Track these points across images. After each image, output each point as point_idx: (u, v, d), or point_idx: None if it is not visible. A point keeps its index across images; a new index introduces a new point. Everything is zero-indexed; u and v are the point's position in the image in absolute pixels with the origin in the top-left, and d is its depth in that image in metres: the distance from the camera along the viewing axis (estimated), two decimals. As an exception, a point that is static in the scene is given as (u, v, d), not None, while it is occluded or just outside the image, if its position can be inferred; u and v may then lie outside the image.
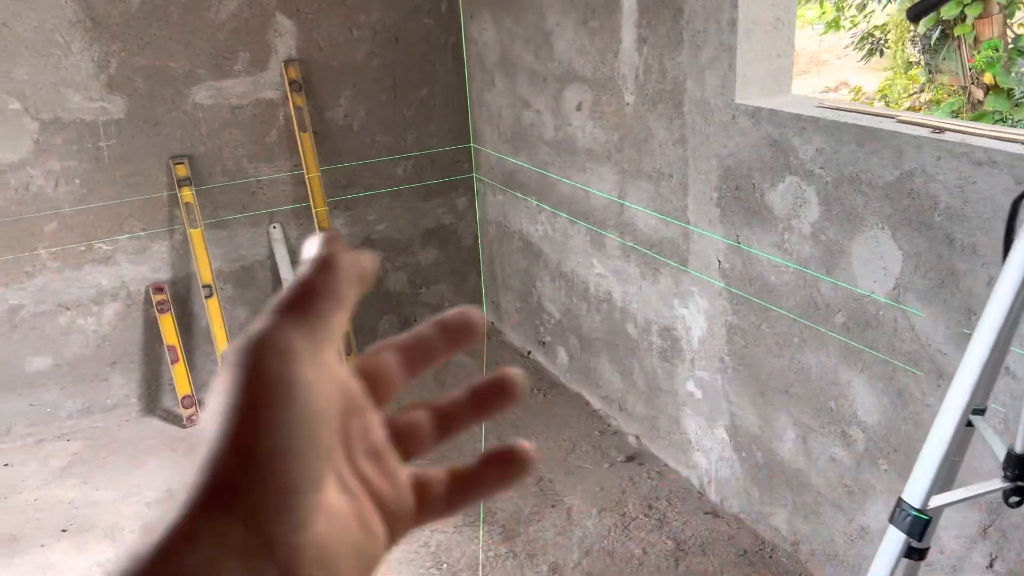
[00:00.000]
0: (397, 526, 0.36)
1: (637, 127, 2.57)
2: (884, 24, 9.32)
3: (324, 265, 0.33)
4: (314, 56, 3.28)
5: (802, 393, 2.18)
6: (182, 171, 3.14)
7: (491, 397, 0.39)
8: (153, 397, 3.37)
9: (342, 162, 3.46)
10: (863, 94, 9.27)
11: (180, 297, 3.30)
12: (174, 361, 3.22)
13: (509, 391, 0.39)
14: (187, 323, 3.34)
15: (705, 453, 2.63)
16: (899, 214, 1.78)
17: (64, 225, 3.03)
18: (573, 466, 2.87)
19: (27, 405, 3.17)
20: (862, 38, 9.46)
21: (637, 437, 2.98)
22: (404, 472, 0.37)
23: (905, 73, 9.13)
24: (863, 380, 1.98)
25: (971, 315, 1.68)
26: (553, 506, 2.67)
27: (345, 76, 3.36)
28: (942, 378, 1.77)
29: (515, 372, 0.39)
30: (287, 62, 3.23)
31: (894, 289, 1.83)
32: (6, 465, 3.06)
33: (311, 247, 0.34)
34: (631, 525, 2.56)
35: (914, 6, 1.20)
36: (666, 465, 2.84)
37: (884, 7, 9.07)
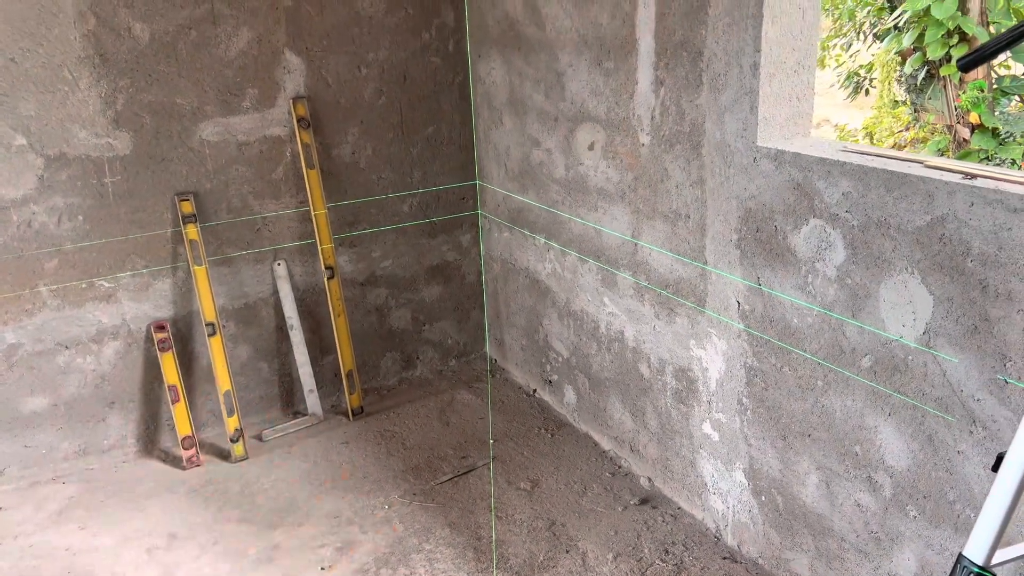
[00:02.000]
0: None
1: (652, 168, 2.57)
2: (870, 63, 9.50)
3: None
4: (322, 93, 3.27)
5: (825, 437, 2.15)
6: (187, 208, 3.10)
7: None
8: (151, 438, 3.29)
9: (348, 199, 3.43)
10: (849, 132, 9.40)
11: (181, 335, 3.24)
12: (175, 401, 3.15)
13: None
14: (187, 362, 3.28)
15: (722, 496, 2.59)
16: (929, 259, 1.77)
17: (66, 262, 2.98)
18: (586, 509, 2.82)
19: (22, 447, 3.08)
20: (848, 76, 9.63)
21: (650, 479, 2.93)
22: None
23: (891, 111, 9.28)
24: (891, 425, 1.96)
25: (1006, 361, 1.66)
26: (567, 551, 2.62)
27: (353, 114, 3.35)
28: (975, 424, 1.76)
29: None
30: (295, 99, 3.21)
31: (924, 334, 1.82)
32: (0, 509, 2.97)
33: None
34: (648, 571, 2.51)
35: (967, 56, 1.20)
36: (680, 508, 2.79)
37: (869, 47, 9.26)
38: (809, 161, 2.01)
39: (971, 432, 1.77)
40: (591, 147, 2.85)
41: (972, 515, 1.80)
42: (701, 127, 2.33)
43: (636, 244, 2.72)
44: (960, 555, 1.20)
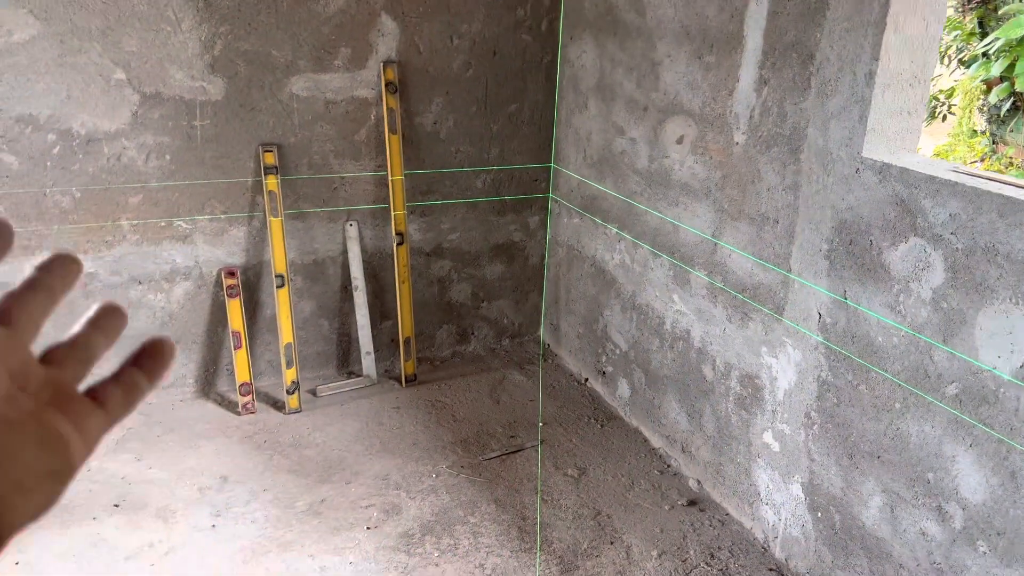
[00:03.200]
0: (89, 428, 0.44)
1: (744, 168, 2.52)
2: (951, 89, 9.25)
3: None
4: (412, 60, 3.28)
5: (896, 460, 2.11)
6: (270, 159, 3.13)
7: (143, 363, 0.47)
8: (210, 380, 3.35)
9: (425, 168, 3.44)
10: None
11: (250, 284, 3.29)
12: (237, 347, 3.20)
13: (160, 358, 0.48)
14: (252, 311, 3.32)
15: (775, 508, 2.56)
16: (1038, 291, 1.72)
17: (149, 199, 3.03)
18: (632, 503, 2.81)
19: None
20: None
21: (699, 482, 2.91)
22: (78, 389, 0.45)
23: (968, 140, 9.04)
24: (971, 457, 1.91)
25: (1110, 405, 1.61)
26: (612, 543, 2.61)
27: (439, 83, 3.35)
28: (1065, 466, 1.70)
29: (163, 342, 0.48)
30: (386, 63, 3.22)
31: (1021, 367, 1.77)
32: (60, 431, 3.04)
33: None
34: (692, 573, 2.49)
35: None
36: (728, 514, 2.77)
37: (952, 72, 9.01)
38: (917, 178, 1.96)
39: (1060, 473, 1.71)
40: (680, 140, 2.82)
41: (1050, 558, 1.75)
42: (803, 131, 2.29)
43: (716, 244, 2.68)
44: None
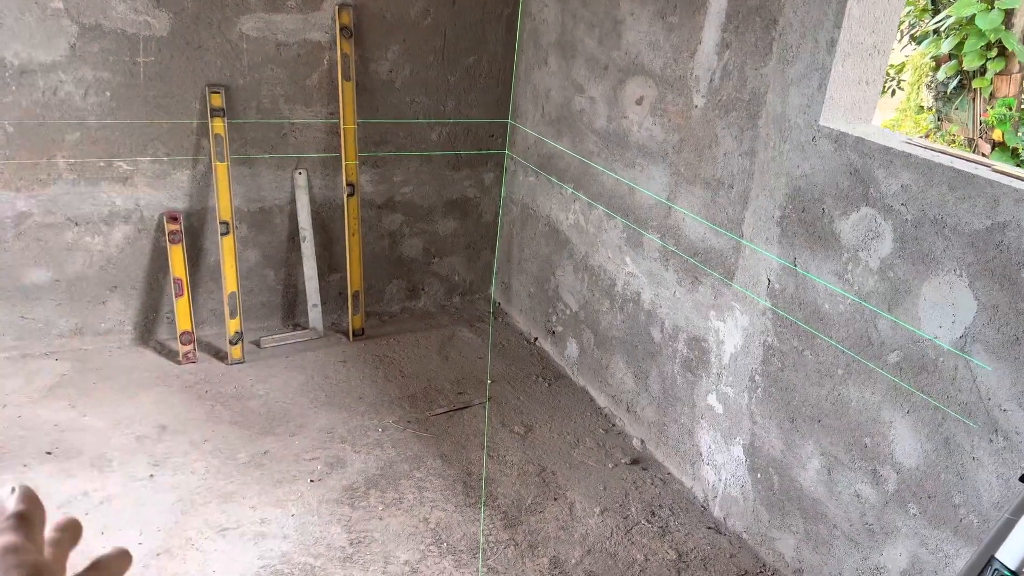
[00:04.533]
0: None
1: (702, 131, 2.52)
2: (901, 64, 9.40)
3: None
4: (369, 4, 3.17)
5: (836, 425, 2.16)
6: (217, 101, 3.01)
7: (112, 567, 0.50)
8: (149, 328, 3.26)
9: (379, 117, 3.35)
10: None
11: (193, 230, 3.19)
12: (178, 295, 3.11)
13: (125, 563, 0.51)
14: (195, 258, 3.23)
15: (716, 468, 2.61)
16: (981, 264, 1.76)
17: (87, 137, 2.89)
18: (576, 461, 2.84)
19: (18, 317, 3.03)
20: (877, 75, 9.51)
21: (642, 441, 2.95)
22: None
23: (914, 116, 9.22)
24: (907, 423, 1.96)
25: (1042, 376, 1.67)
26: (555, 499, 2.64)
27: (396, 30, 3.26)
28: (996, 434, 1.76)
29: (123, 552, 0.51)
30: (341, 6, 3.11)
31: (961, 338, 1.82)
32: (-11, 376, 2.93)
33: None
34: (634, 529, 2.54)
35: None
36: (670, 474, 2.82)
37: (902, 48, 9.14)
38: (872, 148, 1.98)
39: (991, 440, 1.78)
40: (639, 101, 2.80)
41: (976, 520, 1.82)
42: (762, 97, 2.28)
43: (670, 207, 2.68)
44: (992, 557, 1.20)
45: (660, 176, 2.72)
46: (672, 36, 2.60)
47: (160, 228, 3.12)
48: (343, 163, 3.29)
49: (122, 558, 0.51)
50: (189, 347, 3.15)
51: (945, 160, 1.85)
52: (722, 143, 2.45)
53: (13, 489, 0.49)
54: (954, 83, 7.84)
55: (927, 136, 8.76)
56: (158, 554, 2.23)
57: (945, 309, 1.85)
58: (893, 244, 1.95)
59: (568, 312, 3.37)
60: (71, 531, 0.50)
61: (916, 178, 1.88)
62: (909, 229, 1.91)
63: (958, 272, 1.81)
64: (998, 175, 1.76)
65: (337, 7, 3.11)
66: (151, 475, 2.54)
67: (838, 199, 2.08)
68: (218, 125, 3.02)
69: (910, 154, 1.89)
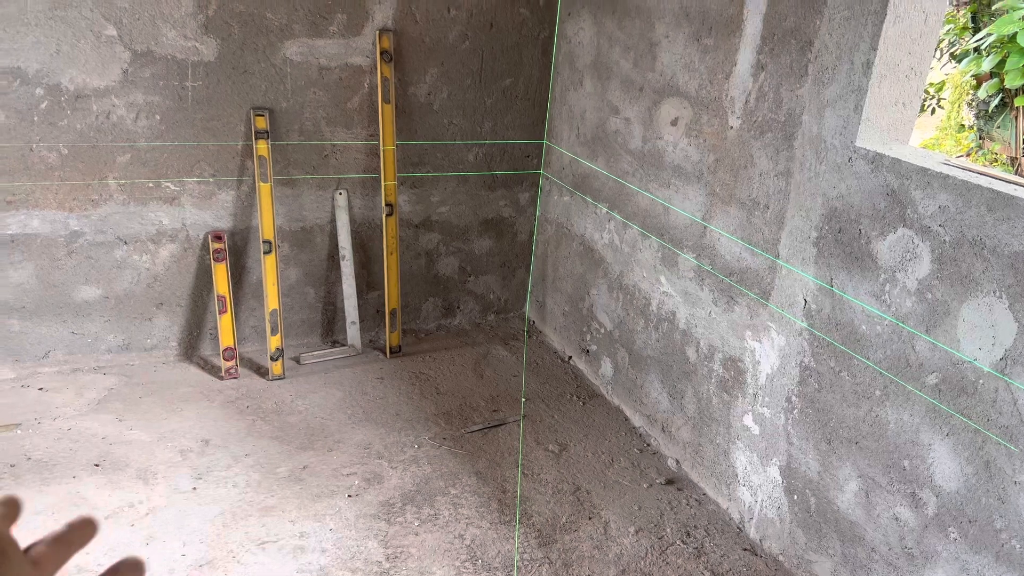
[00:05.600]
0: None
1: (737, 152, 2.53)
2: (941, 83, 9.29)
3: None
4: (408, 29, 3.24)
5: (874, 447, 2.15)
6: (261, 123, 3.10)
7: (73, 538, 0.54)
8: (193, 344, 3.34)
9: (417, 139, 3.42)
10: (909, 149, 9.21)
11: (236, 248, 3.27)
12: (222, 311, 3.19)
13: (89, 531, 0.55)
14: (238, 276, 3.31)
15: (752, 489, 2.60)
16: (1022, 285, 1.75)
17: (137, 159, 3.00)
18: (611, 480, 2.85)
19: (69, 332, 3.13)
20: (917, 93, 9.40)
21: (678, 461, 2.95)
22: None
23: (955, 135, 9.10)
24: (947, 445, 1.95)
25: (1085, 400, 1.64)
26: (590, 518, 2.65)
27: (434, 54, 3.33)
28: (1038, 457, 1.74)
29: (87, 519, 0.55)
30: (381, 31, 3.19)
31: (1001, 360, 1.80)
32: (40, 389, 3.03)
33: None
34: (668, 550, 2.53)
35: None
36: (705, 494, 2.81)
37: (943, 66, 9.04)
38: (909, 169, 1.98)
39: (1032, 464, 1.75)
40: (674, 122, 2.82)
41: (1018, 546, 1.80)
42: (798, 118, 2.30)
43: (705, 227, 2.69)
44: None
45: (695, 196, 2.74)
46: (707, 58, 2.63)
47: (205, 247, 3.21)
48: (382, 184, 3.35)
49: (85, 527, 0.54)
50: (231, 363, 3.23)
51: (984, 181, 1.84)
52: (757, 164, 2.46)
53: None
54: (996, 101, 7.73)
55: (969, 155, 8.64)
56: (201, 566, 2.29)
57: (985, 331, 1.83)
58: (931, 265, 1.94)
59: (602, 331, 3.38)
60: (9, 506, 0.53)
61: (954, 199, 1.88)
62: (947, 250, 1.90)
63: (998, 294, 1.80)
64: (1038, 196, 1.75)
65: (378, 32, 3.19)
66: (194, 488, 2.60)
67: (875, 220, 2.08)
68: (262, 147, 3.11)
69: (947, 175, 1.89)
